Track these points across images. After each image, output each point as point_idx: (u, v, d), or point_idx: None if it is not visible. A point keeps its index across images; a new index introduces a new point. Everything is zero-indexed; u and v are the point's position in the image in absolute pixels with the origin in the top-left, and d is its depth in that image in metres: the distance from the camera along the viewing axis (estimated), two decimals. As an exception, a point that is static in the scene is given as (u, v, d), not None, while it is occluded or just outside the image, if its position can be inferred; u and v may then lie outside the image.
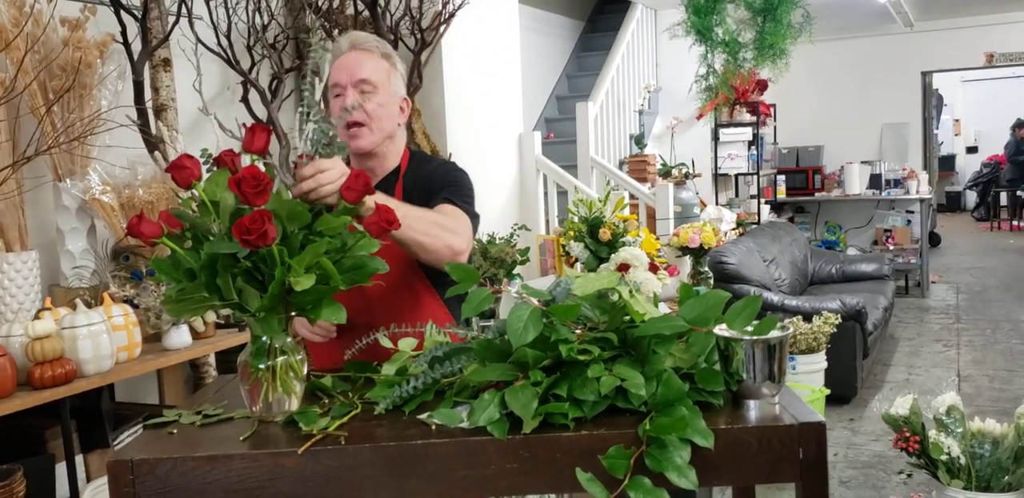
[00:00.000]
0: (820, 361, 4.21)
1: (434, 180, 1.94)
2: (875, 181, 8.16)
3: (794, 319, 4.27)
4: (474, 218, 1.92)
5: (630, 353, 1.38)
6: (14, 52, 2.48)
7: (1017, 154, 12.79)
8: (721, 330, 1.35)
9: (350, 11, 3.76)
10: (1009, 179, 12.93)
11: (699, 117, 7.31)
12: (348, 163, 2.03)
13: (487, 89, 5.05)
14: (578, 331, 1.42)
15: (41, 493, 2.28)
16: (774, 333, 1.31)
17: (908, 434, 2.68)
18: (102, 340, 2.30)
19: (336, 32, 3.70)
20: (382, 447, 1.29)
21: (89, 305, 2.44)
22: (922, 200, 7.78)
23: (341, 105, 1.88)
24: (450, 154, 4.48)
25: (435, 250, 1.74)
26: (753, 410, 1.34)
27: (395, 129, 1.95)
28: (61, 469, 2.36)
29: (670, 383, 1.32)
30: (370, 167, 1.95)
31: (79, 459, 2.45)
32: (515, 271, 4.23)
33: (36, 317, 2.33)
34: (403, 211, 1.61)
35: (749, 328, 1.33)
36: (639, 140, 6.83)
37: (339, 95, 1.89)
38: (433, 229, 1.74)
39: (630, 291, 1.41)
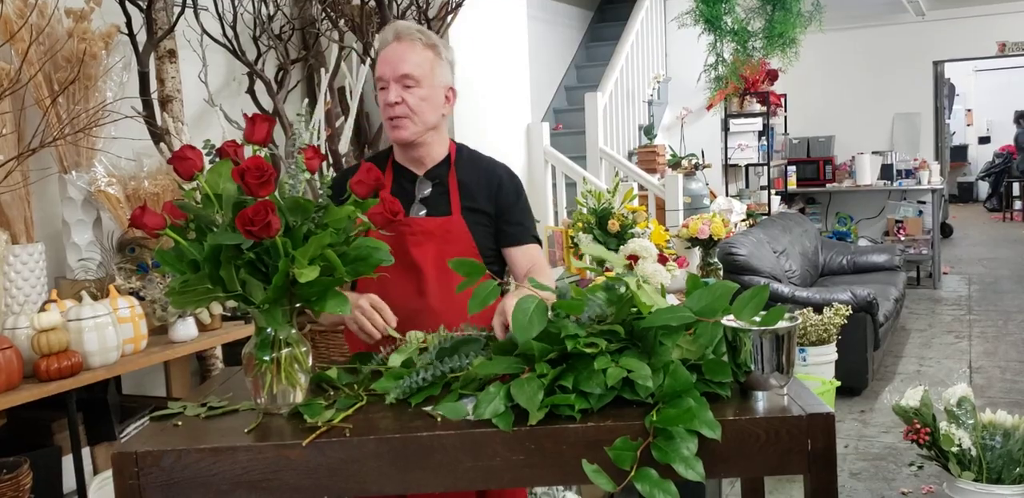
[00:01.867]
0: (831, 353, 4.19)
1: (504, 192, 2.00)
2: (886, 171, 8.10)
3: (804, 310, 4.25)
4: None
5: (637, 345, 1.37)
6: (19, 43, 2.47)
7: None
8: (729, 321, 1.33)
9: (356, 1, 3.74)
10: (1023, 170, 12.85)
11: (709, 107, 7.26)
12: (391, 152, 2.03)
13: (495, 80, 5.02)
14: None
15: (47, 485, 2.28)
16: (782, 323, 1.30)
17: (919, 426, 2.66)
18: (108, 332, 2.29)
19: (342, 23, 3.68)
20: (387, 439, 1.28)
21: (95, 297, 2.44)
22: (934, 190, 7.73)
23: (385, 99, 1.89)
24: (458, 145, 4.46)
25: None
26: (761, 401, 1.33)
27: (439, 120, 1.96)
28: (68, 461, 2.36)
29: (677, 374, 1.31)
30: (418, 156, 1.98)
31: (86, 451, 2.45)
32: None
33: (42, 309, 2.33)
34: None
35: (757, 318, 1.31)
36: (648, 131, 6.78)
37: (383, 88, 1.90)
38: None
39: (637, 282, 1.39)
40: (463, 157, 2.03)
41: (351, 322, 1.72)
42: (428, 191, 1.96)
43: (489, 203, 1.97)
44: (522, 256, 1.99)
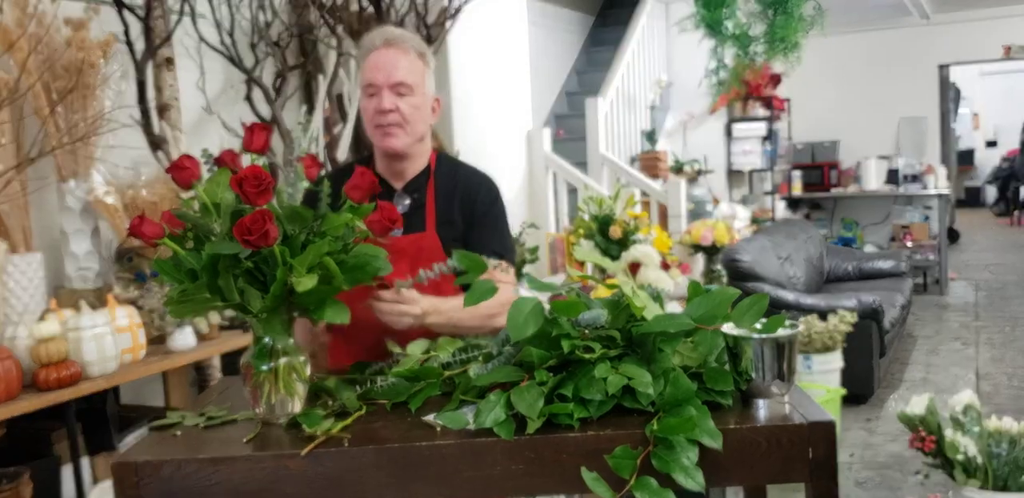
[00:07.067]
0: (836, 360, 4.17)
1: (478, 203, 1.92)
2: (892, 176, 8.06)
3: (809, 317, 4.22)
4: (513, 254, 1.95)
5: (636, 351, 1.36)
6: (18, 53, 2.48)
7: None
8: (731, 328, 1.32)
9: (355, 7, 3.74)
10: None
11: (711, 112, 7.25)
12: (371, 158, 1.98)
13: (495, 85, 5.02)
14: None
15: (47, 495, 2.27)
16: (783, 331, 1.29)
17: (924, 434, 2.64)
18: (107, 342, 2.29)
19: (340, 29, 3.68)
20: (386, 449, 1.28)
21: (94, 307, 2.43)
22: (940, 195, 7.70)
23: (375, 106, 1.82)
24: (457, 152, 4.46)
25: (478, 329, 1.76)
26: (762, 409, 1.32)
27: (426, 131, 1.92)
28: (67, 471, 2.36)
29: (678, 382, 1.30)
30: (401, 169, 1.92)
31: (85, 461, 2.45)
32: (524, 270, 4.21)
33: (41, 319, 2.32)
34: (456, 316, 1.73)
35: (758, 326, 1.30)
36: (651, 136, 6.78)
37: (372, 94, 1.83)
38: (484, 321, 1.77)
39: (632, 288, 1.38)
40: (442, 168, 1.97)
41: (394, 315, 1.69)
42: (406, 204, 1.90)
43: (460, 215, 1.91)
44: None
